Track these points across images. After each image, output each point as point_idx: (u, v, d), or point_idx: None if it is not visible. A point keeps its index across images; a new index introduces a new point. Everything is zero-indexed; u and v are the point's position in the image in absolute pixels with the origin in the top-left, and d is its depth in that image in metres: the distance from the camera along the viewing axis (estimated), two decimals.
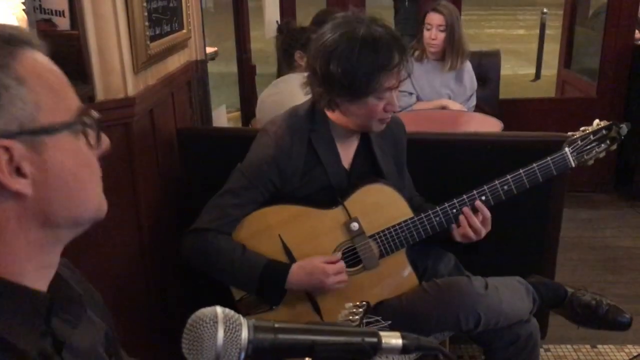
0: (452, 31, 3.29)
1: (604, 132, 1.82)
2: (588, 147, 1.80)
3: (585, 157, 1.80)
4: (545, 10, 8.93)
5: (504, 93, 4.10)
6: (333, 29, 1.66)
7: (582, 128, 1.85)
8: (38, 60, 0.73)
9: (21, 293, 0.72)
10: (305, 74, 2.57)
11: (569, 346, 2.64)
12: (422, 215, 1.75)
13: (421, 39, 3.38)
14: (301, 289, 1.71)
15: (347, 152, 1.81)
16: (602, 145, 1.82)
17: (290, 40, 2.73)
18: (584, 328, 1.97)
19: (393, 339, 0.71)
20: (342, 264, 1.72)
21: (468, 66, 3.42)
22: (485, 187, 1.76)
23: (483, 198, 1.75)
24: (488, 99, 3.75)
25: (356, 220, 1.72)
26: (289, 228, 1.73)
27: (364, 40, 1.61)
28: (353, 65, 1.60)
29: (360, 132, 1.80)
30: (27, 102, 0.70)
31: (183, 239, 1.72)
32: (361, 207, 1.73)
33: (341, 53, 1.61)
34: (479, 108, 3.54)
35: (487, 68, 3.84)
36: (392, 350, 0.70)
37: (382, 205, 1.76)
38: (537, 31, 9.08)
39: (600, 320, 1.92)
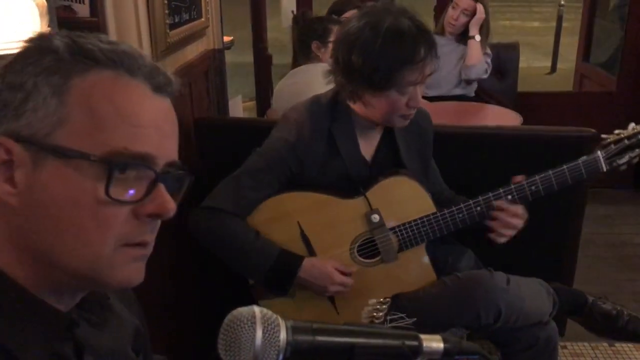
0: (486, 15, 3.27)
1: (639, 137, 1.76)
2: (621, 151, 1.74)
3: (617, 162, 1.74)
4: (562, 2, 8.83)
5: (520, 86, 4.05)
6: (359, 18, 1.62)
7: (616, 131, 1.79)
8: (107, 84, 0.67)
9: (38, 308, 0.69)
10: (322, 64, 2.56)
11: (586, 344, 2.61)
12: (445, 211, 1.72)
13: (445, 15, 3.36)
14: (306, 285, 1.69)
15: (369, 144, 1.78)
16: (637, 150, 1.75)
17: (307, 31, 2.70)
18: (603, 338, 1.93)
19: (434, 342, 0.69)
20: (350, 279, 1.71)
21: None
22: (513, 186, 1.72)
23: (509, 197, 1.71)
24: (506, 91, 3.71)
25: (377, 211, 1.69)
26: (308, 215, 1.70)
27: (388, 32, 1.57)
28: (374, 57, 1.56)
29: (383, 125, 1.77)
30: (51, 115, 0.65)
31: (195, 216, 1.68)
32: (383, 198, 1.70)
33: (363, 43, 1.57)
34: (497, 101, 3.50)
35: (505, 61, 3.79)
36: (433, 354, 0.68)
37: (404, 199, 1.73)
38: (553, 24, 9.00)
39: (620, 331, 1.89)
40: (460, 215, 1.72)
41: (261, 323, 0.66)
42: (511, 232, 1.72)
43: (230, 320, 0.67)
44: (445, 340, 0.70)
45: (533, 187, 1.72)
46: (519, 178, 1.76)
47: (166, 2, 1.91)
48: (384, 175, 1.74)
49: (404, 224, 1.72)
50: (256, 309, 0.67)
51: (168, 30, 1.93)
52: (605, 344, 2.60)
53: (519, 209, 1.71)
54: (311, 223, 1.71)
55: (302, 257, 1.68)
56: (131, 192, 0.68)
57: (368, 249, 1.74)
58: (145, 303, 0.95)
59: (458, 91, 3.39)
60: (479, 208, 1.72)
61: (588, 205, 2.26)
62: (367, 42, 1.57)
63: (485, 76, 3.39)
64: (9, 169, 0.66)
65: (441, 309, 1.70)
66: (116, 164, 0.66)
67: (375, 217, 1.70)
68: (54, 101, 0.66)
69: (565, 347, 2.58)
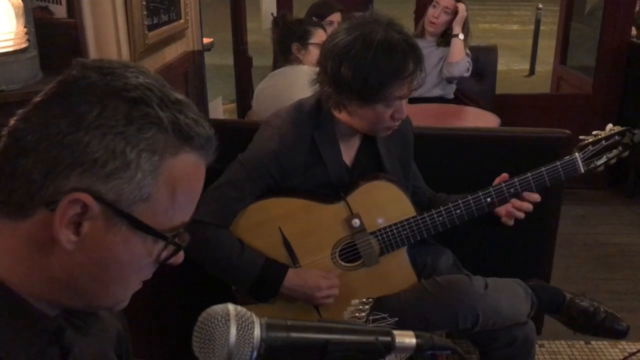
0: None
1: (616, 137, 1.77)
2: (599, 152, 1.75)
3: (595, 163, 1.76)
4: (540, 6, 8.93)
5: (498, 88, 4.10)
6: (349, 29, 1.60)
7: (594, 132, 1.80)
8: (190, 167, 0.72)
9: (26, 311, 0.70)
10: (302, 67, 2.57)
11: (563, 342, 2.64)
12: (426, 214, 1.73)
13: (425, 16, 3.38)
14: (291, 295, 1.69)
15: (350, 149, 1.78)
16: (614, 151, 1.76)
17: (287, 33, 2.70)
18: (581, 334, 1.96)
19: (407, 338, 0.70)
20: (336, 280, 1.71)
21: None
22: (491, 189, 1.73)
23: (488, 200, 1.73)
24: (484, 93, 3.75)
25: (358, 216, 1.70)
26: (290, 221, 1.71)
27: (379, 46, 1.55)
28: (365, 71, 1.55)
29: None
30: (141, 190, 0.68)
31: None
32: (364, 203, 1.71)
33: (354, 56, 1.56)
34: (475, 103, 3.54)
35: (483, 63, 3.83)
36: (405, 349, 0.69)
37: (385, 203, 1.74)
38: (532, 27, 9.10)
39: (597, 327, 1.90)
40: (440, 218, 1.73)
41: (235, 320, 0.66)
42: (517, 214, 1.74)
43: (204, 317, 0.68)
44: (417, 336, 0.71)
45: (512, 190, 1.73)
46: (501, 180, 1.78)
47: (144, 3, 1.91)
48: (364, 179, 1.74)
49: (384, 228, 1.73)
50: (230, 306, 0.68)
51: (146, 32, 1.93)
52: (581, 342, 2.64)
53: (535, 196, 1.74)
54: (292, 228, 1.71)
55: (287, 268, 1.69)
56: (166, 255, 0.75)
57: (349, 253, 1.75)
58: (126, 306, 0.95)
59: (437, 92, 3.42)
60: (458, 211, 1.73)
61: (565, 205, 2.29)
62: (358, 55, 1.56)
63: (467, 74, 3.42)
64: (78, 218, 0.67)
65: (420, 314, 1.72)
66: (172, 240, 0.73)
67: (356, 222, 1.70)
68: (149, 179, 0.68)
69: (542, 345, 2.61)
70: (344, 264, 1.75)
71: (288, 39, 2.67)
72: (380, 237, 1.73)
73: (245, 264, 1.66)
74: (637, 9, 4.23)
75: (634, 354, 2.51)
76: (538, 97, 4.63)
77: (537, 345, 2.53)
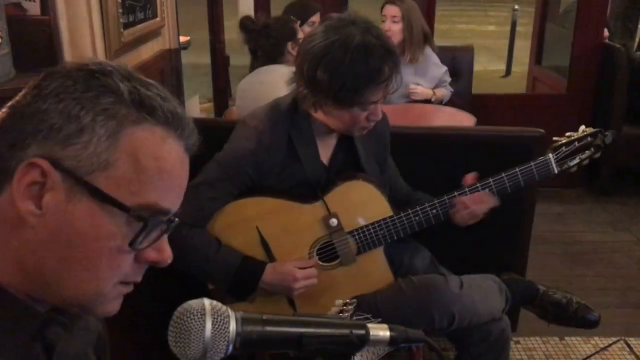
0: (409, 22, 3.25)
1: (589, 139, 1.81)
2: (572, 153, 1.79)
3: (568, 163, 1.79)
4: (516, 7, 9.04)
5: (475, 88, 4.14)
6: (326, 31, 1.60)
7: (567, 134, 1.83)
8: (156, 141, 0.69)
9: (15, 307, 0.69)
10: (288, 66, 2.57)
11: (538, 338, 2.68)
12: (402, 214, 1.74)
13: None
14: (271, 289, 1.70)
15: (326, 148, 1.79)
16: (587, 152, 1.80)
17: (282, 33, 2.69)
18: (555, 325, 2.00)
19: (381, 331, 0.71)
20: (313, 270, 1.71)
21: (431, 58, 3.41)
22: (467, 189, 1.76)
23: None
24: (461, 93, 3.78)
25: (335, 216, 1.71)
26: (267, 220, 1.71)
27: (356, 51, 1.55)
28: (341, 76, 1.55)
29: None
30: (98, 156, 0.66)
31: None
32: (341, 203, 1.72)
33: (331, 61, 1.56)
34: (451, 102, 3.57)
35: (460, 63, 3.87)
36: (379, 342, 0.70)
37: (362, 202, 1.75)
38: (508, 28, 9.19)
39: (570, 318, 1.95)
40: (417, 218, 1.75)
41: (211, 315, 0.67)
42: (475, 218, 1.77)
43: (180, 312, 0.68)
44: (391, 329, 0.72)
45: (487, 189, 1.75)
46: (470, 178, 1.80)
47: (120, 1, 1.90)
48: (342, 179, 1.75)
49: (361, 228, 1.74)
50: (206, 301, 0.68)
51: (122, 30, 1.92)
52: (556, 338, 2.68)
53: (484, 195, 1.76)
54: (270, 228, 1.71)
55: (265, 263, 1.69)
56: (144, 242, 0.71)
57: (327, 252, 1.76)
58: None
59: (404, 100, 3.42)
60: (434, 211, 1.75)
61: (540, 204, 2.33)
62: (335, 60, 1.55)
63: (450, 93, 3.47)
64: (39, 190, 0.66)
65: (396, 314, 1.73)
66: (143, 217, 0.68)
67: (334, 222, 1.71)
68: (105, 144, 0.66)
69: (518, 342, 2.65)
70: (321, 263, 1.75)
71: (282, 38, 2.66)
72: (357, 237, 1.74)
73: (223, 262, 1.66)
74: (609, 11, 4.31)
75: (605, 348, 2.56)
76: (514, 97, 4.68)
77: (512, 342, 2.58)
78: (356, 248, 1.75)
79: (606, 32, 4.32)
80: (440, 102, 3.38)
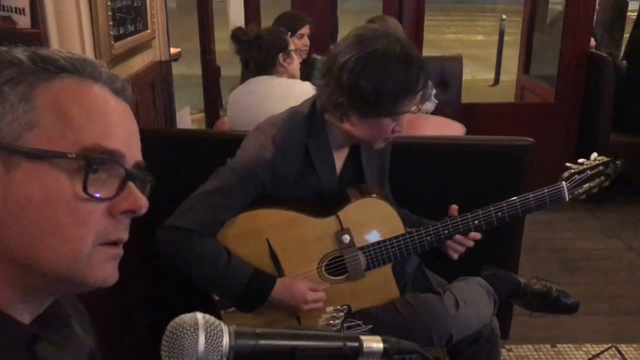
0: None
1: (601, 168, 1.84)
2: (583, 182, 1.81)
3: (578, 191, 1.81)
4: (504, 16, 9.13)
5: (464, 97, 4.17)
6: (362, 42, 1.60)
7: (579, 160, 1.85)
8: (74, 88, 0.70)
9: (1, 322, 0.68)
10: (277, 77, 2.58)
11: (530, 346, 2.69)
12: (414, 233, 1.74)
13: None
14: (277, 305, 1.68)
15: (339, 159, 1.78)
16: (597, 180, 1.83)
17: (275, 44, 2.70)
18: (538, 313, 2.08)
19: (374, 343, 0.71)
20: (323, 294, 1.71)
21: None
22: (480, 212, 1.75)
23: (476, 222, 1.75)
24: (450, 102, 3.81)
25: (348, 232, 1.70)
26: (278, 233, 1.69)
27: (398, 61, 1.57)
28: (384, 85, 1.56)
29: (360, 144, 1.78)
30: (19, 119, 0.66)
31: (163, 235, 1.62)
32: (355, 219, 1.70)
33: (374, 69, 1.57)
34: (441, 112, 3.59)
35: (448, 72, 3.91)
36: (373, 354, 0.70)
37: (375, 220, 1.74)
38: (496, 37, 9.28)
39: (553, 305, 2.01)
40: (429, 237, 1.74)
41: (204, 329, 0.67)
42: (462, 251, 1.79)
43: (172, 327, 0.68)
44: (384, 341, 0.72)
45: (499, 213, 1.75)
46: (454, 210, 1.81)
47: (110, 13, 1.90)
48: (357, 195, 1.74)
49: (373, 245, 1.73)
50: (199, 315, 0.68)
51: (112, 42, 1.92)
52: (547, 346, 2.69)
53: (478, 236, 1.78)
54: (280, 240, 1.69)
55: (275, 278, 1.67)
56: (105, 189, 0.70)
57: (336, 266, 1.75)
58: (94, 316, 0.94)
59: None
60: (446, 231, 1.75)
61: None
62: (379, 68, 1.57)
63: (433, 107, 3.49)
64: None
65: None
66: (93, 160, 0.67)
67: (346, 238, 1.70)
68: (21, 107, 0.67)
69: (510, 349, 2.65)
70: (329, 277, 1.74)
71: (273, 49, 2.67)
72: (368, 254, 1.73)
73: (233, 273, 1.63)
74: (595, 21, 4.36)
75: (597, 355, 2.58)
76: (502, 106, 4.72)
77: (505, 350, 2.59)
78: (365, 264, 1.74)
79: (593, 42, 4.37)
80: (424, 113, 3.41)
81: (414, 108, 1.65)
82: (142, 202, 0.72)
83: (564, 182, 1.79)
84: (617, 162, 1.87)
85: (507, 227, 2.27)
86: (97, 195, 0.69)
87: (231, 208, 1.65)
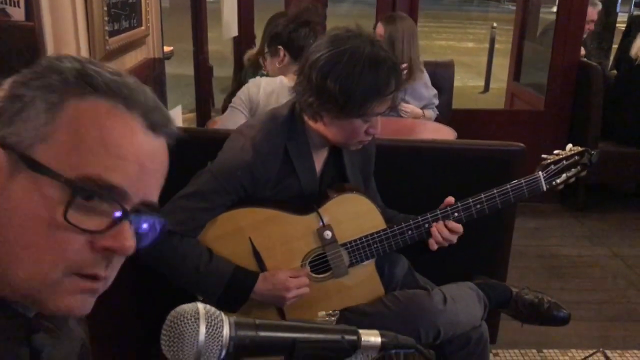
0: (391, 45, 3.22)
1: (576, 157, 1.86)
2: (560, 172, 1.83)
3: (556, 181, 1.83)
4: (495, 25, 9.20)
5: (455, 104, 4.20)
6: (334, 41, 1.60)
7: (555, 152, 1.87)
8: (102, 113, 0.67)
9: (5, 312, 0.68)
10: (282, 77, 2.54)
11: (516, 350, 2.71)
12: (395, 227, 1.75)
13: None
14: (262, 300, 1.68)
15: (319, 160, 1.79)
16: (573, 170, 1.85)
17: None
18: (528, 324, 2.05)
19: (372, 336, 0.72)
20: (305, 279, 1.70)
21: (423, 79, 3.46)
22: (459, 204, 1.77)
23: (456, 214, 1.76)
24: (441, 108, 3.83)
25: (330, 228, 1.70)
26: (260, 231, 1.69)
27: (367, 61, 1.56)
28: (351, 85, 1.56)
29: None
30: (38, 128, 0.66)
31: None
32: (335, 215, 1.71)
33: (341, 70, 1.56)
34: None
35: (440, 78, 3.92)
36: (371, 347, 0.71)
37: (356, 215, 1.75)
38: (487, 45, 9.35)
39: (542, 317, 2.00)
40: (410, 232, 1.75)
41: (204, 319, 0.67)
42: (445, 244, 1.78)
43: (173, 316, 0.68)
44: (382, 335, 0.73)
45: (478, 205, 1.77)
46: (450, 200, 1.81)
47: (105, 8, 1.89)
48: (336, 191, 1.75)
49: (355, 240, 1.74)
50: (200, 305, 0.68)
51: (107, 37, 1.91)
52: (534, 351, 2.71)
53: (459, 227, 1.77)
54: (263, 239, 1.69)
55: (257, 274, 1.67)
56: (93, 221, 0.66)
57: (319, 264, 1.75)
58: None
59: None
60: (427, 225, 1.76)
61: (519, 218, 2.37)
62: (346, 69, 1.56)
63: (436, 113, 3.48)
64: None
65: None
66: (81, 189, 0.65)
67: (328, 234, 1.70)
68: (44, 116, 0.66)
69: (497, 354, 2.67)
70: (313, 275, 1.75)
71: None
72: (350, 249, 1.74)
73: (214, 272, 1.63)
74: (586, 30, 4.41)
75: (584, 359, 2.60)
76: (493, 113, 4.76)
77: (492, 354, 2.60)
78: (349, 260, 1.75)
79: (583, 51, 4.41)
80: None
81: (384, 108, 1.63)
82: (126, 245, 0.68)
83: (540, 172, 1.82)
84: (592, 152, 1.89)
85: (495, 234, 2.30)
86: (80, 225, 0.65)
87: (210, 210, 1.66)
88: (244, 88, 2.53)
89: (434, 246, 1.77)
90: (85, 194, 0.65)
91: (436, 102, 3.51)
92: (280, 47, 2.44)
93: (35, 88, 0.67)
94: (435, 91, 3.50)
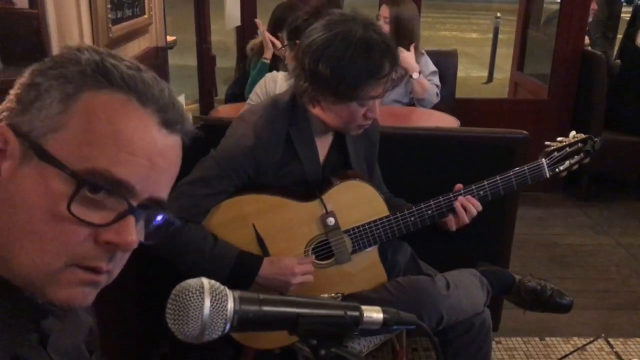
0: (397, 25, 3.20)
1: (579, 144, 1.86)
2: (563, 159, 1.84)
3: (559, 168, 1.84)
4: (498, 15, 9.16)
5: (458, 93, 4.18)
6: (328, 25, 1.60)
7: (559, 139, 1.88)
8: (116, 107, 0.67)
9: (16, 297, 0.68)
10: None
11: (519, 338, 2.72)
12: (398, 214, 1.75)
13: None
14: (267, 284, 1.69)
15: (322, 146, 1.79)
16: (576, 157, 1.85)
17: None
18: (531, 312, 2.05)
19: (374, 312, 0.73)
20: (311, 266, 1.71)
21: (422, 60, 3.42)
22: (462, 191, 1.78)
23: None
24: (444, 97, 3.81)
25: (333, 214, 1.71)
26: (264, 218, 1.70)
27: (358, 44, 1.56)
28: (343, 69, 1.56)
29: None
30: (50, 118, 0.66)
31: None
32: (338, 202, 1.72)
33: (333, 53, 1.56)
34: (435, 106, 3.59)
35: (444, 67, 3.90)
36: (373, 323, 0.72)
37: (359, 202, 1.75)
38: (490, 35, 9.32)
39: (545, 304, 2.01)
40: (412, 218, 1.76)
41: (209, 293, 0.68)
42: (467, 221, 1.79)
43: (178, 290, 0.68)
44: (384, 311, 0.73)
45: (481, 192, 1.78)
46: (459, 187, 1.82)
47: None
48: (339, 178, 1.75)
49: (358, 227, 1.74)
50: (204, 279, 0.69)
51: (110, 25, 1.91)
52: (536, 339, 2.72)
53: (478, 204, 1.79)
54: (266, 225, 1.70)
55: (262, 258, 1.68)
56: (98, 215, 0.67)
57: (322, 250, 1.76)
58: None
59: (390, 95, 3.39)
60: (429, 211, 1.77)
61: (521, 207, 2.37)
62: (337, 53, 1.56)
63: (437, 99, 3.41)
64: (1, 158, 0.66)
65: None
66: (86, 182, 0.65)
67: (331, 220, 1.71)
68: (58, 107, 0.66)
69: (499, 342, 2.68)
70: (316, 261, 1.76)
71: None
72: (353, 236, 1.74)
73: (219, 256, 1.64)
74: (590, 19, 4.39)
75: (586, 344, 2.61)
76: (496, 102, 4.75)
77: (494, 342, 2.61)
78: (351, 247, 1.75)
79: (587, 40, 4.40)
80: (423, 99, 3.33)
81: (379, 92, 1.62)
82: (129, 240, 0.68)
83: (543, 159, 1.82)
84: (596, 139, 1.89)
85: (498, 223, 2.30)
86: (83, 217, 0.66)
87: (214, 196, 1.66)
88: (261, 82, 2.55)
89: (452, 226, 1.78)
90: (91, 187, 0.65)
91: (436, 80, 3.42)
92: (299, 41, 2.45)
93: (52, 77, 0.67)
94: (435, 69, 3.44)
